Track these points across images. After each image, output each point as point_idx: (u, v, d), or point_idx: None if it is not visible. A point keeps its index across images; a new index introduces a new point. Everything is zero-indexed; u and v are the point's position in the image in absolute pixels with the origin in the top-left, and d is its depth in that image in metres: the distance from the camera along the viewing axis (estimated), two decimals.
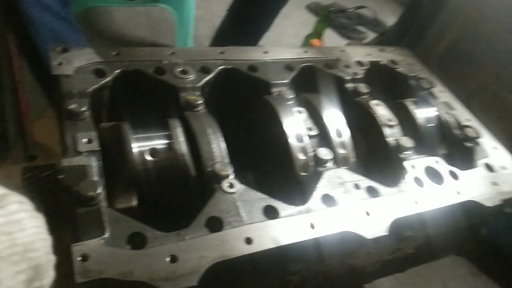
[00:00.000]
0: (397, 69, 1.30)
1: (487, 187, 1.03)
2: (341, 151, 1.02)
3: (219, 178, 0.83)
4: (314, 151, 0.97)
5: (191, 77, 1.03)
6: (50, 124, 1.82)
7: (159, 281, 0.65)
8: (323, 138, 1.03)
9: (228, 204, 0.79)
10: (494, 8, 1.68)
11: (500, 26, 1.65)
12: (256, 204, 0.81)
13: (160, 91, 1.02)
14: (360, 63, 1.27)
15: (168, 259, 0.68)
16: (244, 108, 1.13)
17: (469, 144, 1.15)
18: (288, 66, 1.17)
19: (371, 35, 3.44)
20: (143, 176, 0.87)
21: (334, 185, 0.90)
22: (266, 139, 1.05)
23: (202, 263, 0.69)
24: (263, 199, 0.82)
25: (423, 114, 1.19)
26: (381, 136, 1.07)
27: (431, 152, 1.11)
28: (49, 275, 0.57)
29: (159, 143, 0.92)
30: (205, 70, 1.06)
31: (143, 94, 1.04)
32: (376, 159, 1.09)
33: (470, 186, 1.00)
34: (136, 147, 0.88)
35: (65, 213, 0.76)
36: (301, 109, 1.07)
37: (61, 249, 0.64)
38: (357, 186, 0.91)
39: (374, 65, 1.29)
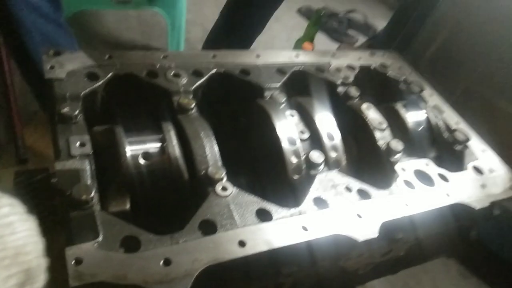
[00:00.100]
0: (387, 73, 1.32)
1: (476, 190, 1.04)
2: (332, 154, 1.03)
3: (212, 181, 0.84)
4: (306, 154, 0.98)
5: (184, 80, 1.03)
6: (41, 127, 1.81)
7: (152, 284, 0.65)
8: (315, 141, 1.04)
9: (221, 207, 0.80)
10: (481, 13, 1.71)
11: (488, 30, 1.68)
12: (249, 207, 0.82)
13: (153, 94, 1.02)
14: (351, 67, 1.28)
15: (161, 262, 0.68)
16: (236, 111, 1.14)
17: (458, 147, 1.16)
18: (280, 70, 1.18)
19: (361, 39, 3.47)
20: (136, 180, 0.87)
21: (326, 187, 0.91)
22: (259, 142, 1.06)
23: (195, 266, 0.69)
24: (256, 202, 0.83)
25: (413, 117, 1.21)
26: (372, 139, 1.08)
27: (421, 155, 1.12)
28: (41, 279, 0.57)
29: (152, 146, 0.92)
30: (197, 74, 1.07)
31: (136, 98, 1.04)
32: (367, 161, 1.11)
33: (460, 189, 1.02)
34: (129, 150, 0.88)
35: (58, 216, 0.76)
36: (293, 112, 1.08)
37: (55, 253, 0.64)
38: (348, 189, 0.92)
39: (365, 69, 1.31)
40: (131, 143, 0.90)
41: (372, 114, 1.12)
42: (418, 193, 0.97)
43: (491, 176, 1.10)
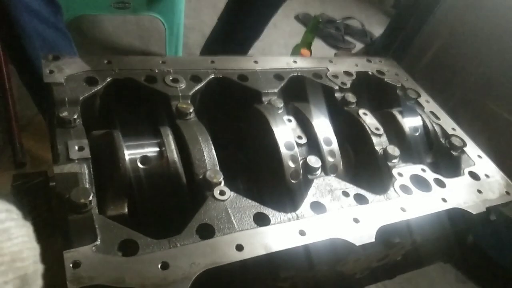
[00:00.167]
0: (383, 79, 1.33)
1: (473, 195, 1.05)
2: (330, 159, 1.04)
3: (210, 185, 0.84)
4: (304, 159, 0.98)
5: (182, 85, 1.04)
6: (39, 131, 1.82)
7: None
8: (313, 146, 1.05)
9: (219, 211, 0.80)
10: (477, 20, 1.73)
11: (483, 37, 1.70)
12: (247, 211, 0.82)
13: (151, 99, 1.03)
14: (348, 73, 1.29)
15: (159, 265, 0.69)
16: (234, 116, 1.15)
17: (455, 153, 1.17)
18: (278, 75, 1.19)
19: (358, 45, 3.50)
20: (135, 184, 0.88)
21: (323, 192, 0.92)
22: (257, 147, 1.06)
23: (193, 270, 0.69)
24: (254, 206, 0.83)
25: (410, 123, 1.22)
26: (370, 144, 1.09)
27: (417, 161, 1.13)
28: (37, 284, 0.57)
29: (151, 150, 0.93)
30: (196, 79, 1.08)
31: (135, 102, 1.04)
32: (364, 167, 1.11)
33: (456, 194, 1.03)
34: (127, 154, 0.88)
35: (56, 220, 0.76)
36: (291, 117, 1.09)
37: (52, 256, 0.64)
38: (345, 194, 0.93)
39: (362, 75, 1.32)
40: (129, 147, 0.90)
41: (369, 119, 1.13)
42: (415, 198, 0.98)
43: (487, 182, 1.11)
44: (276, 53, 2.99)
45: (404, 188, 0.99)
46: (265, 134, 0.99)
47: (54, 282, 0.64)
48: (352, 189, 0.94)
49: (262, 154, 1.02)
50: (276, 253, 0.77)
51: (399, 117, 1.21)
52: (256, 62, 1.20)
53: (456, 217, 1.03)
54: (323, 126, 1.08)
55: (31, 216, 0.66)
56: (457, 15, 1.79)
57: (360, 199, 0.93)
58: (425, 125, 1.24)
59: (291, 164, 0.96)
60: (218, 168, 0.89)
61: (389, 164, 1.05)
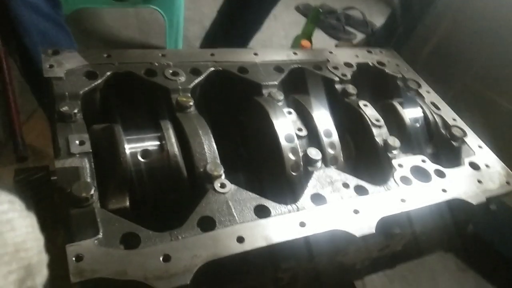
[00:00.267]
0: (384, 70, 1.33)
1: (473, 185, 1.05)
2: (330, 151, 1.04)
3: (211, 178, 0.85)
4: (304, 151, 0.99)
5: (182, 78, 1.04)
6: (40, 125, 1.82)
7: (152, 280, 0.66)
8: (313, 138, 1.05)
9: (220, 204, 0.81)
10: (478, 10, 1.72)
11: (485, 28, 1.69)
12: (247, 203, 0.82)
13: (152, 92, 1.03)
14: (348, 65, 1.29)
15: (161, 258, 0.69)
16: (234, 109, 1.15)
17: (455, 143, 1.17)
18: (278, 67, 1.19)
19: (359, 36, 3.48)
20: (136, 177, 0.88)
21: (323, 184, 0.92)
22: (257, 139, 1.07)
23: (195, 262, 0.70)
24: (255, 199, 0.84)
25: (411, 114, 1.22)
26: (370, 135, 1.09)
27: (418, 151, 1.13)
28: (42, 274, 0.57)
29: (151, 144, 0.93)
30: (196, 72, 1.08)
31: (135, 96, 1.04)
32: (364, 158, 1.12)
33: (456, 184, 1.03)
34: (128, 148, 0.89)
35: (58, 214, 0.76)
36: (291, 110, 1.09)
37: (55, 250, 0.65)
38: (346, 185, 0.93)
39: (362, 67, 1.31)
40: (130, 141, 0.91)
41: (369, 111, 1.13)
42: (415, 188, 0.98)
43: (487, 172, 1.11)
44: (276, 44, 2.97)
45: (404, 179, 0.99)
46: (265, 126, 1.00)
47: (60, 273, 0.65)
48: (353, 181, 0.95)
49: (263, 146, 1.03)
50: (277, 245, 0.77)
51: (399, 108, 1.21)
52: (256, 54, 1.20)
53: (457, 207, 1.04)
54: (323, 118, 1.08)
55: (35, 208, 0.66)
56: (458, 5, 1.77)
57: (360, 190, 0.93)
58: (425, 116, 1.24)
59: (292, 156, 0.97)
60: (218, 161, 0.89)
61: (389, 155, 1.05)
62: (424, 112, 1.25)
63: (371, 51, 1.40)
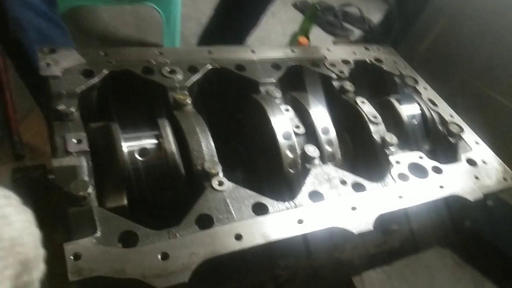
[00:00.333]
0: (381, 67, 1.33)
1: (470, 181, 1.05)
2: (328, 148, 1.04)
3: (208, 176, 0.85)
4: (302, 148, 0.99)
5: (180, 76, 1.03)
6: (37, 123, 1.81)
7: (151, 278, 0.66)
8: (310, 135, 1.05)
9: (218, 202, 0.81)
10: (475, 6, 1.72)
11: (482, 23, 1.69)
12: (245, 201, 0.83)
13: (149, 91, 1.03)
14: (346, 62, 1.29)
15: (159, 256, 0.69)
16: (232, 106, 1.15)
17: (452, 139, 1.18)
18: (276, 65, 1.19)
19: (357, 32, 3.47)
20: (133, 176, 0.88)
21: (321, 181, 0.92)
22: (255, 137, 1.07)
23: (193, 260, 0.70)
24: (252, 196, 0.84)
25: (408, 110, 1.22)
26: (368, 132, 1.09)
27: (415, 148, 1.14)
28: (39, 269, 0.57)
29: (149, 142, 0.93)
30: (193, 70, 1.08)
31: (132, 94, 1.04)
32: (362, 155, 1.12)
33: (453, 181, 1.03)
34: (125, 146, 0.89)
35: (56, 213, 0.76)
36: (288, 107, 1.09)
37: (53, 249, 0.64)
38: (343, 182, 0.93)
39: (360, 64, 1.31)
40: (127, 139, 0.90)
41: (367, 107, 1.13)
42: (412, 185, 0.98)
43: (484, 168, 1.11)
44: (274, 41, 2.96)
45: (402, 176, 0.99)
46: (263, 124, 1.00)
47: (58, 271, 0.64)
48: (350, 177, 0.95)
49: (260, 144, 1.03)
50: (274, 242, 0.78)
51: (396, 104, 1.21)
52: (253, 52, 1.20)
53: (454, 203, 1.04)
54: (321, 115, 1.08)
55: (31, 205, 0.66)
56: (455, 1, 1.77)
57: (357, 187, 0.94)
58: (422, 112, 1.24)
59: (289, 154, 0.97)
60: (216, 159, 0.89)
61: (387, 151, 1.05)
62: (421, 108, 1.25)
63: (368, 48, 1.40)
